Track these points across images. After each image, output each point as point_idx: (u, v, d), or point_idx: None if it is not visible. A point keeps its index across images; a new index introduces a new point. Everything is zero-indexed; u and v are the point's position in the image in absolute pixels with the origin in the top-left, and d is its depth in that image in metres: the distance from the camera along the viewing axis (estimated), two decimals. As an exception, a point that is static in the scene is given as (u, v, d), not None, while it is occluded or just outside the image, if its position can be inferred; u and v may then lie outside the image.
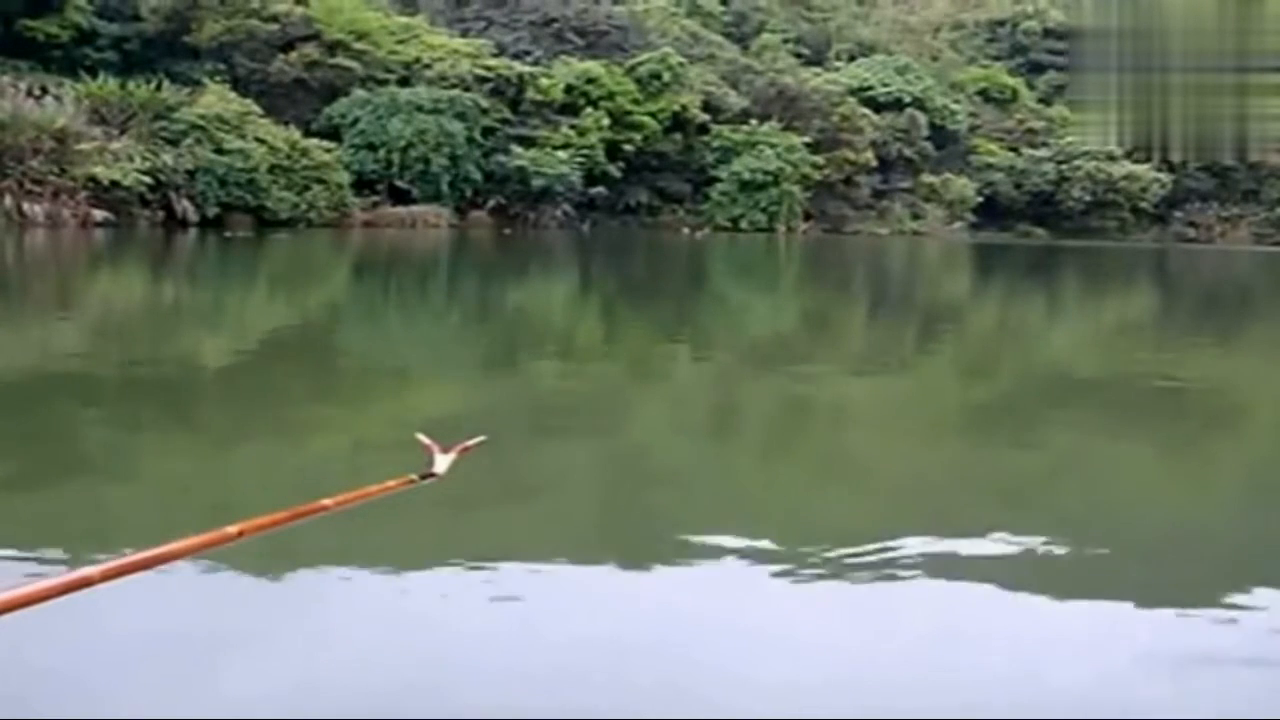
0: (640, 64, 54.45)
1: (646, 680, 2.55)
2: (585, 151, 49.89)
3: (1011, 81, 76.02)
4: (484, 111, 46.13)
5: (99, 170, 31.19)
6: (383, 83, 44.80)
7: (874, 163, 61.07)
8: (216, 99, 36.81)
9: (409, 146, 42.84)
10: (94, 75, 35.65)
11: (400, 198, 43.44)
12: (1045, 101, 74.87)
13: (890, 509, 3.89)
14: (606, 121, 51.52)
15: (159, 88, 35.48)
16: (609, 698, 2.45)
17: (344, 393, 6.57)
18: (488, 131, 46.39)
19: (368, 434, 5.21)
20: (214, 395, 6.79)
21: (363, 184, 42.12)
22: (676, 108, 54.12)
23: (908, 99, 64.91)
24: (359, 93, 43.74)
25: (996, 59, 79.58)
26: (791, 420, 5.63)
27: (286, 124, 39.07)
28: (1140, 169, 65.82)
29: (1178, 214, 70.81)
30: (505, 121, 47.92)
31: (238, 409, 6.07)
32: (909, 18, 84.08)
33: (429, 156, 43.21)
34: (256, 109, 38.12)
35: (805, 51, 71.75)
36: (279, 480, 4.33)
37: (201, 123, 35.41)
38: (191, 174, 34.64)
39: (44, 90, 32.58)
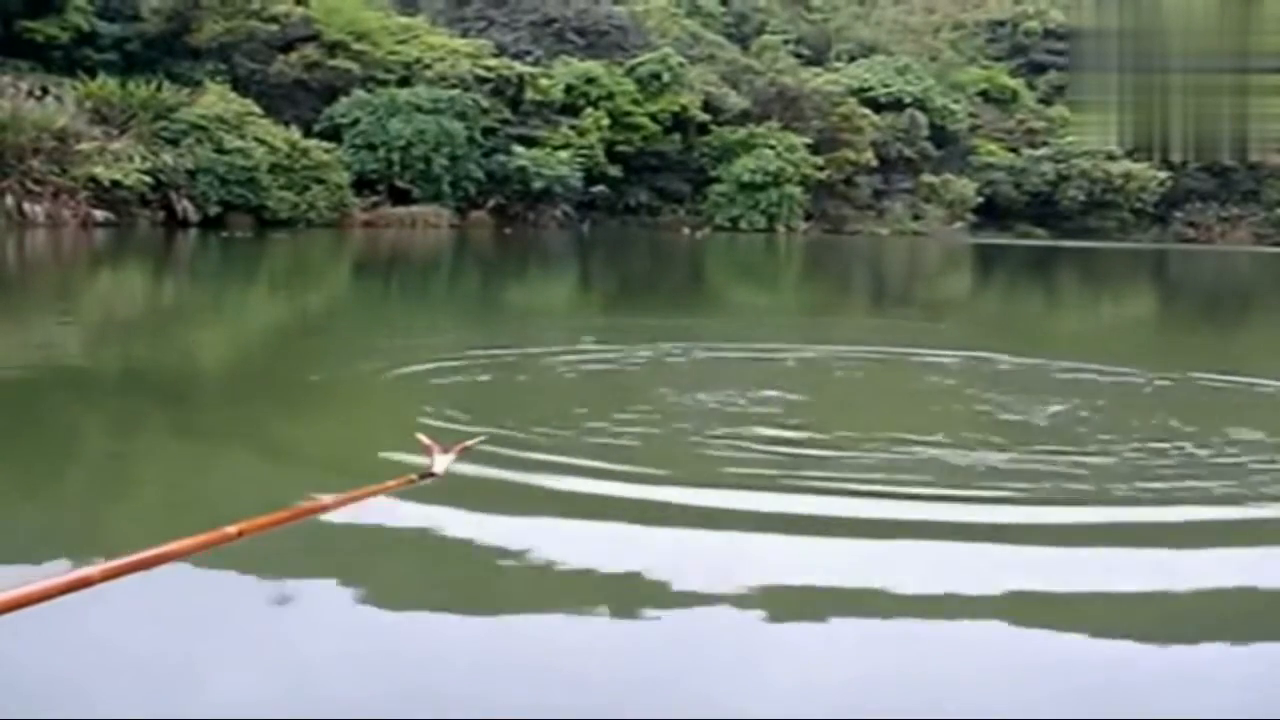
0: (640, 64, 54.52)
1: (645, 680, 2.55)
2: (585, 151, 49.95)
3: (1012, 82, 76.11)
4: (484, 111, 46.19)
5: (99, 170, 31.22)
6: (383, 83, 44.86)
7: (874, 163, 61.13)
8: (217, 99, 36.86)
9: (409, 146, 42.90)
10: (94, 75, 35.67)
11: (400, 198, 43.48)
12: (1045, 101, 74.94)
13: (892, 504, 3.89)
14: (606, 121, 51.59)
15: (159, 88, 35.51)
16: (608, 697, 2.45)
17: (341, 393, 6.56)
18: (488, 131, 46.45)
19: (365, 434, 5.19)
20: (212, 396, 6.78)
21: (363, 184, 42.16)
22: (676, 108, 54.18)
23: (908, 99, 64.96)
24: (359, 93, 43.80)
25: (997, 59, 79.65)
26: (803, 416, 5.64)
27: (287, 124, 39.11)
28: (1138, 168, 65.87)
29: (1177, 214, 70.82)
30: (505, 121, 47.99)
31: (235, 410, 6.06)
32: (909, 18, 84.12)
33: (429, 156, 43.26)
34: (256, 109, 38.17)
35: (805, 52, 71.85)
36: (272, 480, 4.32)
37: (202, 123, 35.45)
38: (192, 174, 34.68)
39: (44, 90, 32.60)
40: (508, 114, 48.34)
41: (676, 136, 55.09)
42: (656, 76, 54.13)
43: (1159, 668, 2.72)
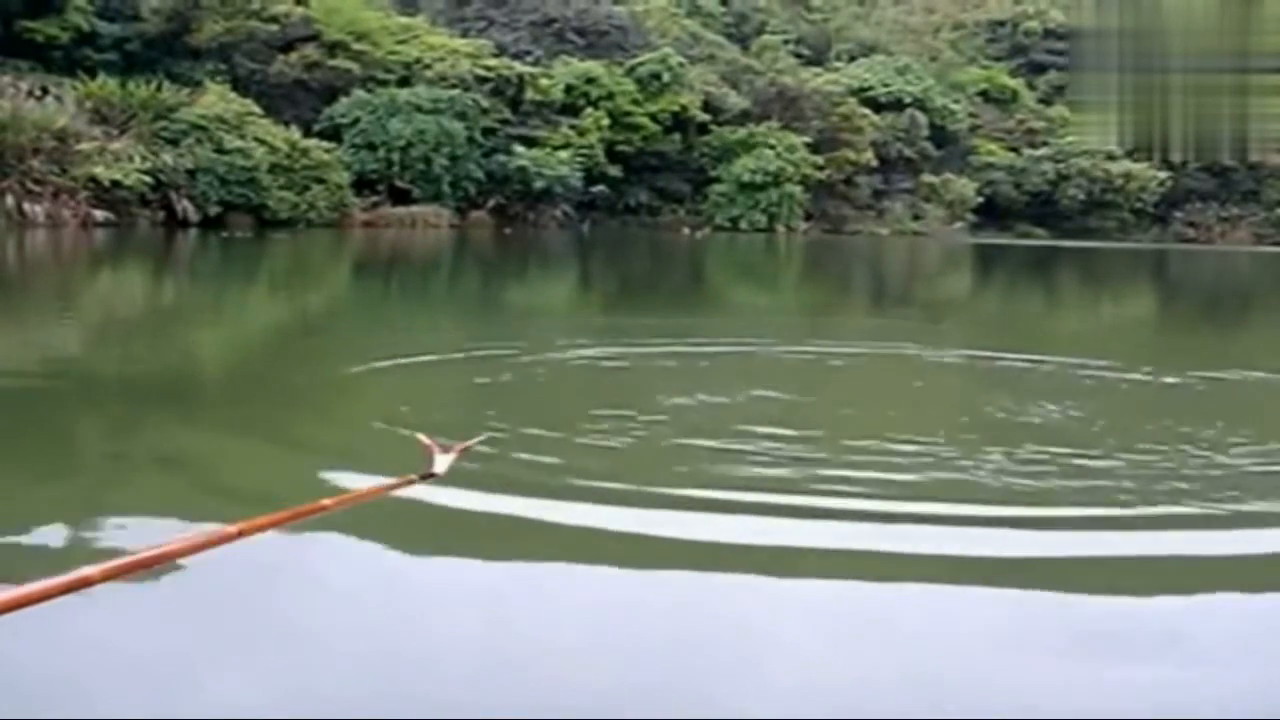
0: (640, 64, 54.53)
1: (645, 680, 2.54)
2: (585, 151, 49.97)
3: (1012, 82, 76.15)
4: (484, 111, 46.21)
5: (99, 170, 31.23)
6: (383, 83, 44.89)
7: (874, 163, 61.15)
8: (217, 99, 36.87)
9: (409, 146, 42.92)
10: (94, 75, 35.67)
11: (400, 198, 43.49)
12: (1045, 101, 74.97)
13: (894, 505, 3.89)
14: (606, 121, 51.61)
15: (159, 88, 35.52)
16: (608, 698, 2.45)
17: (339, 394, 6.56)
18: (488, 131, 46.47)
19: (364, 436, 5.18)
20: (210, 397, 6.78)
21: (363, 184, 42.16)
22: (676, 108, 54.21)
23: (908, 99, 65.00)
24: (359, 93, 43.81)
25: (997, 59, 79.70)
26: (800, 412, 5.63)
27: (286, 124, 39.11)
28: (1138, 168, 65.92)
29: (1177, 214, 70.85)
30: (505, 121, 48.01)
31: (234, 410, 6.06)
32: (909, 18, 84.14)
33: (429, 156, 43.27)
34: (256, 109, 38.18)
35: (805, 52, 71.91)
36: (266, 481, 4.32)
37: (202, 123, 35.47)
38: (192, 174, 34.69)
39: (44, 90, 32.61)
40: (508, 114, 48.35)
41: (676, 136, 55.11)
42: (656, 76, 54.15)
43: (1163, 667, 2.71)
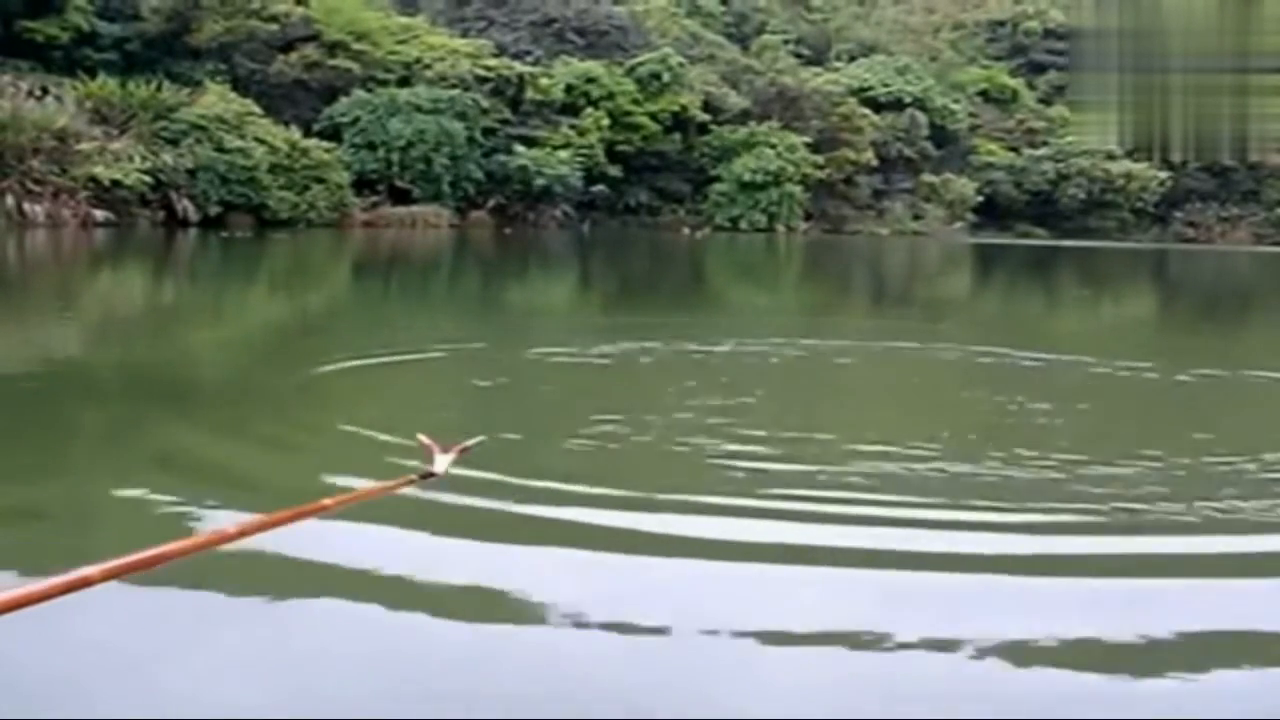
0: (640, 64, 54.53)
1: (645, 679, 2.54)
2: (585, 151, 49.97)
3: (1012, 82, 76.16)
4: (484, 111, 46.22)
5: (99, 170, 31.23)
6: (383, 83, 44.90)
7: (874, 163, 61.15)
8: (217, 99, 36.89)
9: (409, 146, 42.92)
10: (94, 75, 35.68)
11: (400, 198, 43.49)
12: (1045, 101, 74.98)
13: (896, 501, 3.89)
14: (606, 121, 51.61)
15: (159, 88, 35.54)
16: (607, 698, 2.44)
17: (338, 393, 6.55)
18: (488, 131, 46.48)
19: (364, 432, 5.18)
20: (208, 396, 6.77)
21: (363, 184, 42.16)
22: (676, 108, 54.20)
23: (908, 99, 64.99)
24: (359, 93, 43.82)
25: (997, 59, 79.70)
26: (800, 410, 5.63)
27: (286, 124, 39.12)
28: (1138, 168, 65.92)
29: (1177, 214, 70.85)
30: (505, 121, 48.02)
31: (235, 410, 6.06)
32: (909, 18, 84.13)
33: (429, 156, 43.28)
34: (256, 109, 38.19)
35: (805, 52, 71.92)
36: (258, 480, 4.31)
37: (202, 123, 35.48)
38: (192, 174, 34.70)
39: (44, 90, 32.61)
40: (508, 114, 48.35)
41: (676, 136, 55.11)
42: (656, 76, 54.14)
43: (1167, 667, 2.71)
